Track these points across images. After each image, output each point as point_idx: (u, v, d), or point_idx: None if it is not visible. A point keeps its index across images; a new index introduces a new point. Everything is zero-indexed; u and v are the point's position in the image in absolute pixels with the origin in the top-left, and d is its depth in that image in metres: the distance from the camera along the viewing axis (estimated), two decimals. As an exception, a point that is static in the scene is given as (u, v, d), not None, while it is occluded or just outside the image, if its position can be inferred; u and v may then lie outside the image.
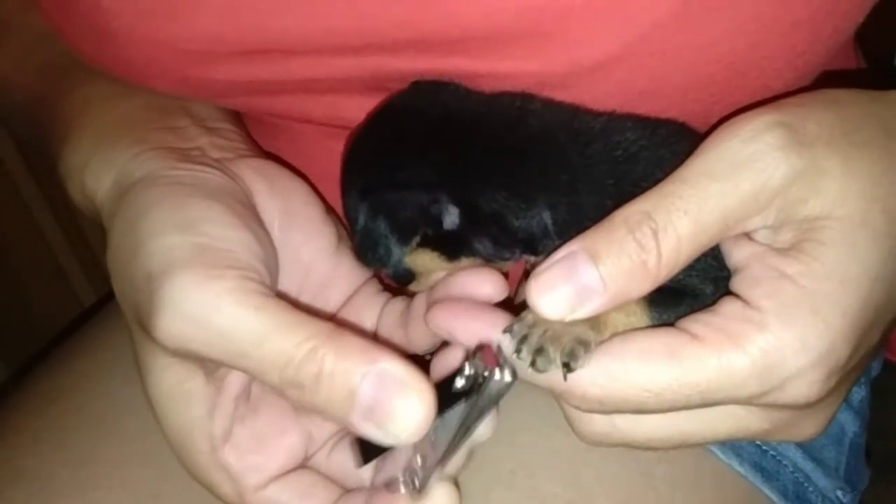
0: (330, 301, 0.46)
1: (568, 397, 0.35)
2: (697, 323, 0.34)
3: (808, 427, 0.37)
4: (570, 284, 0.33)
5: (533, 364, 0.34)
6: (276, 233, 0.42)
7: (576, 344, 0.34)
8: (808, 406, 0.34)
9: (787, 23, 0.41)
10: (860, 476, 0.59)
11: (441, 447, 0.35)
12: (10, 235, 1.16)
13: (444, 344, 0.41)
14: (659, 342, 0.34)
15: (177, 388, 0.38)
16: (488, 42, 0.41)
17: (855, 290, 0.33)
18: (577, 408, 0.35)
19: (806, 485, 0.54)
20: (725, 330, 0.33)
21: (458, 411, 0.35)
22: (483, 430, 0.37)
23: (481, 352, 0.36)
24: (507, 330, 0.36)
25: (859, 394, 0.61)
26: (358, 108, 0.47)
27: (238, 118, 0.51)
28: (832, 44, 0.43)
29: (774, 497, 0.52)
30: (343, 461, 0.41)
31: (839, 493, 0.55)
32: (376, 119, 0.44)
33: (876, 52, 0.63)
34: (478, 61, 0.42)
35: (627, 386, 0.33)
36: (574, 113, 0.42)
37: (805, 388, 0.33)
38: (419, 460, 0.36)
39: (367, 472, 0.40)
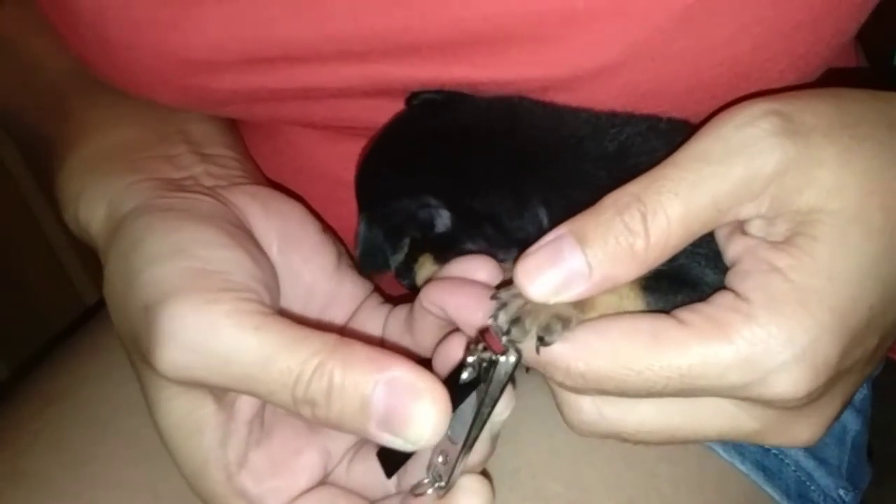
0: (335, 319, 0.45)
1: (553, 372, 0.34)
2: (686, 310, 0.34)
3: (802, 432, 0.36)
4: (555, 268, 0.33)
5: (507, 333, 0.34)
6: (275, 256, 0.42)
7: (553, 319, 0.34)
8: (797, 406, 0.34)
9: (789, 26, 0.40)
10: (862, 475, 0.59)
11: (460, 441, 0.35)
12: (10, 235, 1.16)
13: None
14: (644, 324, 0.34)
15: (187, 418, 0.37)
16: (491, 48, 0.41)
17: (844, 286, 0.32)
18: (562, 385, 0.35)
19: (808, 484, 0.54)
20: (713, 318, 0.33)
21: (469, 402, 0.35)
22: (501, 409, 0.36)
23: (482, 339, 0.35)
24: (494, 296, 0.36)
25: (861, 393, 0.60)
26: (360, 109, 0.47)
27: (237, 138, 0.51)
28: (834, 45, 0.43)
29: (777, 496, 0.52)
30: (363, 472, 0.41)
31: (841, 491, 0.55)
32: (377, 142, 0.45)
33: (876, 52, 0.63)
34: (480, 69, 0.42)
35: (609, 362, 0.33)
36: (566, 112, 0.42)
37: (790, 384, 0.32)
38: (441, 458, 0.36)
39: (392, 480, 0.40)
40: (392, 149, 0.44)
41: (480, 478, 0.37)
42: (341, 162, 0.51)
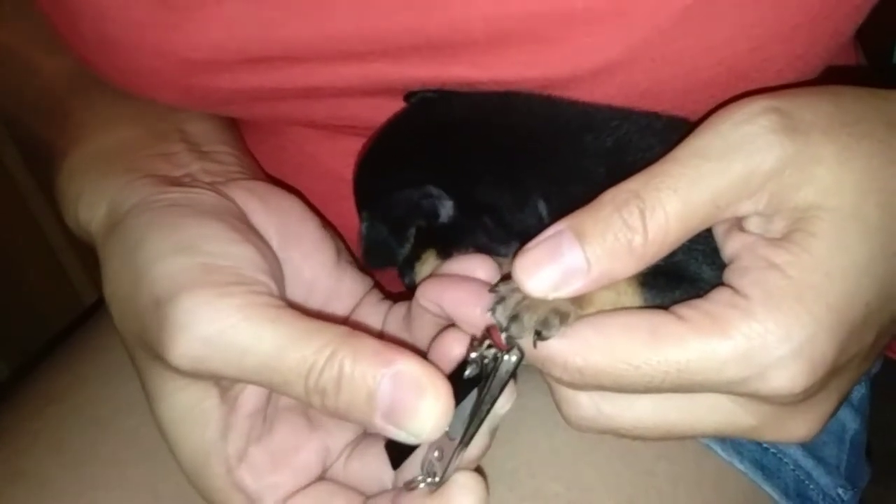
0: (335, 315, 0.45)
1: (550, 367, 0.34)
2: (684, 306, 0.34)
3: (798, 428, 0.36)
4: (554, 263, 0.33)
5: (507, 329, 0.34)
6: (275, 251, 0.42)
7: (551, 314, 0.34)
8: (793, 402, 0.34)
9: (788, 26, 0.40)
10: (861, 474, 0.59)
11: (457, 436, 0.35)
12: (10, 235, 1.16)
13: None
14: (643, 319, 0.34)
15: (191, 410, 0.38)
16: (490, 48, 0.41)
17: (841, 283, 0.32)
18: (560, 380, 0.35)
19: (807, 482, 0.54)
20: (711, 314, 0.33)
21: (470, 399, 0.35)
22: (501, 404, 0.37)
23: (489, 336, 0.36)
24: (493, 290, 0.36)
25: (859, 391, 0.61)
26: (360, 108, 0.47)
27: (235, 135, 0.51)
28: (832, 45, 0.43)
29: (775, 495, 0.52)
30: (360, 468, 0.41)
31: (840, 490, 0.55)
32: (373, 142, 0.45)
33: (875, 50, 0.63)
34: (480, 69, 0.42)
35: (607, 357, 0.33)
36: (563, 104, 0.42)
37: (787, 379, 0.32)
38: (436, 454, 0.36)
39: (388, 475, 0.40)
40: (389, 147, 0.44)
41: (475, 474, 0.36)
42: (343, 159, 0.51)
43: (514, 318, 0.34)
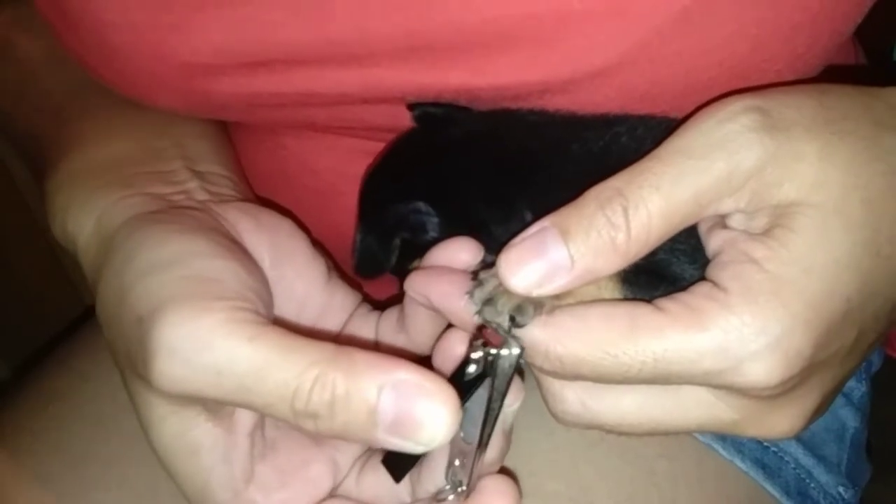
0: (327, 329, 0.45)
1: (533, 356, 0.34)
2: (665, 299, 0.34)
3: (780, 423, 0.36)
4: (538, 260, 0.33)
5: (480, 312, 0.35)
6: (267, 269, 0.41)
7: (525, 301, 0.34)
8: (772, 396, 0.34)
9: (788, 26, 0.40)
10: (861, 472, 0.59)
11: (474, 439, 0.35)
12: (10, 235, 1.16)
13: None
14: (623, 309, 0.34)
15: (180, 440, 0.36)
16: (489, 51, 0.41)
17: (820, 278, 0.33)
18: (542, 370, 0.35)
19: (808, 481, 0.54)
20: (689, 305, 0.33)
21: (478, 398, 0.35)
22: (510, 401, 0.36)
23: (480, 335, 0.35)
24: (474, 277, 0.36)
25: (860, 389, 0.61)
26: (359, 113, 0.47)
27: (231, 157, 0.51)
28: (832, 45, 0.43)
29: (776, 493, 0.52)
30: (374, 483, 0.40)
31: (841, 489, 0.56)
32: (380, 160, 0.46)
33: (874, 47, 0.63)
34: (479, 74, 0.42)
35: (587, 346, 0.33)
36: (555, 119, 0.43)
37: (762, 372, 0.32)
38: (457, 461, 0.36)
39: (405, 488, 0.39)
40: (390, 165, 0.46)
41: (504, 477, 0.36)
42: (344, 155, 0.51)
43: (489, 302, 0.35)
